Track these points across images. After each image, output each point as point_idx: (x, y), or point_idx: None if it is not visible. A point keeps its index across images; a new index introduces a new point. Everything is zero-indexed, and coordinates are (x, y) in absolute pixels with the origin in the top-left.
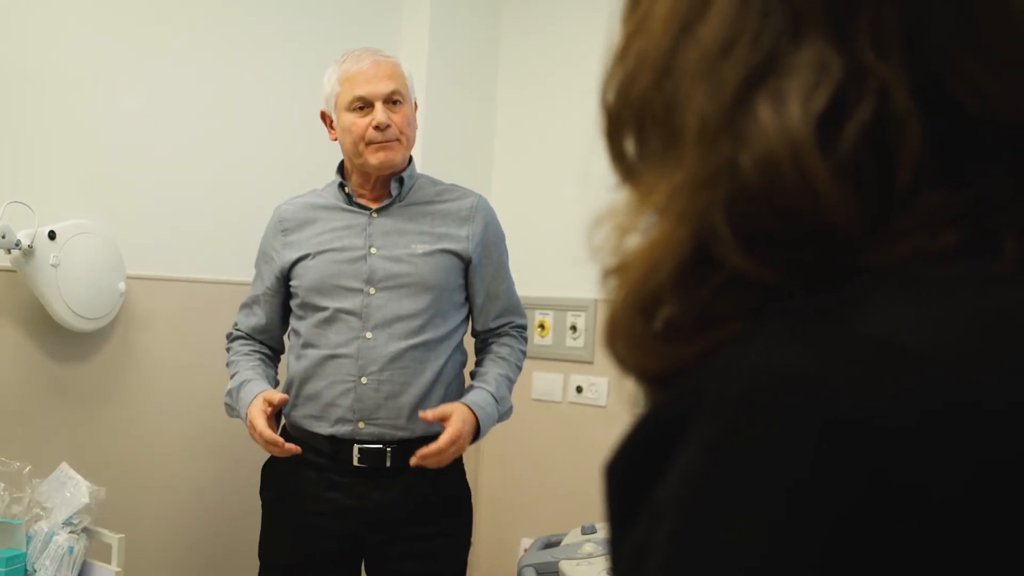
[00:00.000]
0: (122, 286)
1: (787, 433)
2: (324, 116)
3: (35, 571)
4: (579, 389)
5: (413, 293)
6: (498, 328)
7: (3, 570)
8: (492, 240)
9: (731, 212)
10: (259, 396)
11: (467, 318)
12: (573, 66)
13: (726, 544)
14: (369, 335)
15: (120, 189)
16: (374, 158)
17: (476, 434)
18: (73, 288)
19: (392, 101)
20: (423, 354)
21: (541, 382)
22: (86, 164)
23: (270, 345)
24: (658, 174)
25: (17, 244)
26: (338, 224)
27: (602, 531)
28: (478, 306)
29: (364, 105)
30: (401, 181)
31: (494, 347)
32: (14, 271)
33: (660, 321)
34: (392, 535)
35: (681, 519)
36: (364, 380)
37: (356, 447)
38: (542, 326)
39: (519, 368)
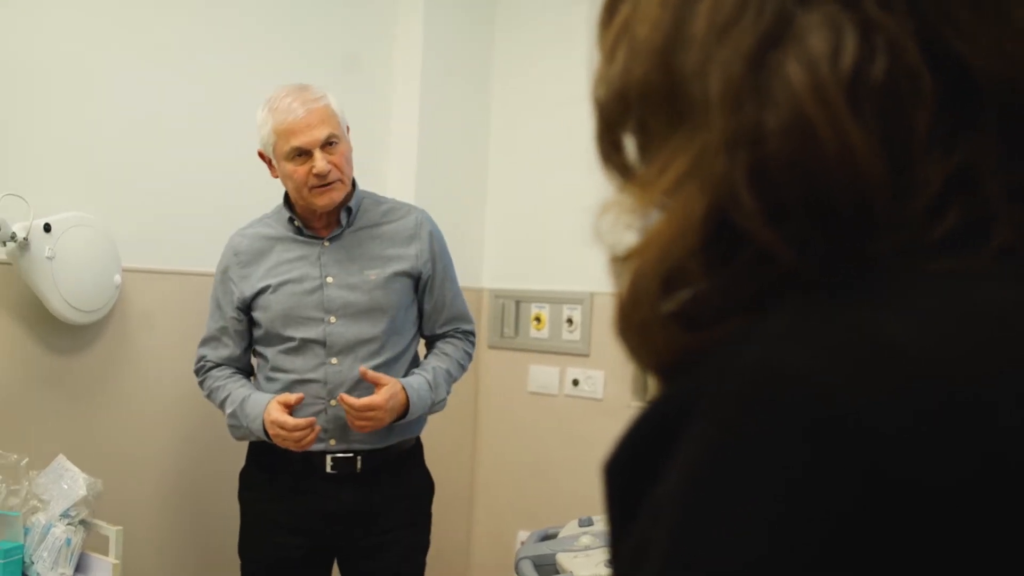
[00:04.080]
0: (118, 279)
1: (784, 431)
2: (262, 156)
3: (33, 563)
4: (575, 382)
5: (370, 318)
6: (445, 333)
7: (1, 562)
8: (438, 253)
9: (755, 179)
10: (272, 400)
11: (419, 328)
12: (568, 60)
13: (724, 541)
14: (334, 360)
15: (116, 182)
16: (319, 200)
17: (405, 412)
18: (69, 281)
19: (329, 144)
20: (385, 371)
21: (537, 375)
22: (82, 156)
23: (244, 371)
24: (668, 155)
25: (12, 237)
26: (292, 255)
27: (599, 524)
28: (427, 313)
29: (301, 153)
30: (349, 211)
31: (439, 344)
32: (9, 264)
33: (675, 306)
34: (362, 533)
35: (679, 516)
36: (333, 403)
37: (328, 456)
38: (538, 319)
39: (462, 367)
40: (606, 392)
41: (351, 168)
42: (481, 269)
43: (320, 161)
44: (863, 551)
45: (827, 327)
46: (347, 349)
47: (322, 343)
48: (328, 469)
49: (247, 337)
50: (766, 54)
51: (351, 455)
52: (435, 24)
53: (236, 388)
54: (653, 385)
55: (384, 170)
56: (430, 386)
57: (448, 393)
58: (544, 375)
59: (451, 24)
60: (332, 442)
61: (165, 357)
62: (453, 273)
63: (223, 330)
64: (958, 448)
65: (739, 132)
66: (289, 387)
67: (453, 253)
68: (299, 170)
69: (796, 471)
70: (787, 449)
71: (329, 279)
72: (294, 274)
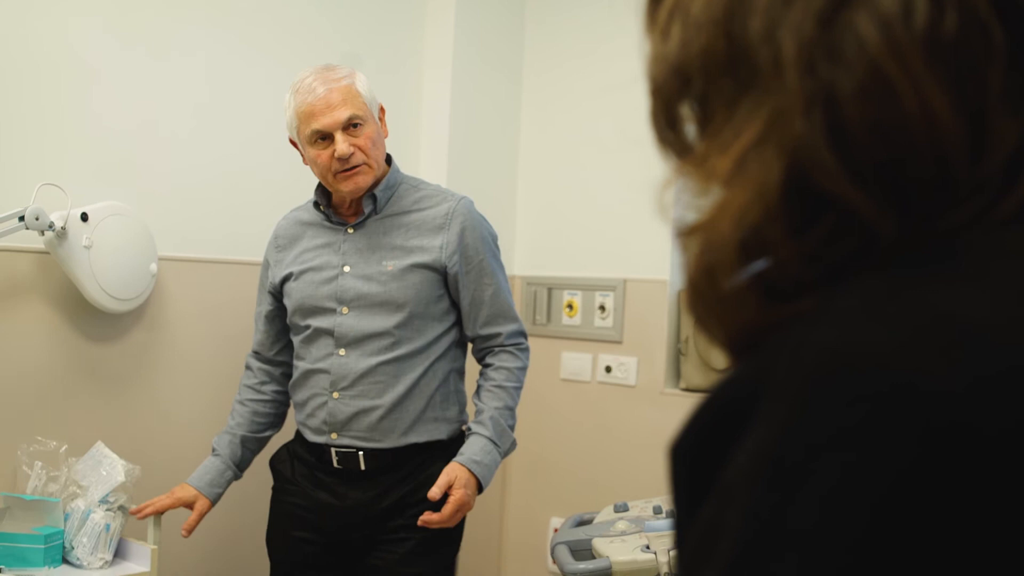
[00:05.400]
0: (154, 267)
1: (858, 411)
2: (292, 142)
3: (73, 548)
4: (608, 369)
5: (383, 311)
6: (490, 337)
7: (42, 547)
8: (471, 244)
9: (835, 139)
10: (187, 490)
11: (454, 325)
12: (601, 47)
13: (801, 525)
14: (343, 352)
15: (152, 171)
16: (343, 187)
17: (480, 485)
18: (106, 269)
19: (352, 125)
20: (396, 368)
21: (570, 362)
22: (118, 146)
23: (280, 361)
24: (737, 124)
25: (50, 226)
26: (319, 242)
27: (634, 509)
28: (465, 311)
29: (324, 137)
30: (374, 198)
31: (490, 372)
32: (47, 253)
33: (753, 277)
34: (371, 533)
35: (754, 499)
36: (336, 395)
37: (333, 450)
38: (570, 306)
39: (519, 388)
40: (639, 379)
41: (380, 151)
42: (513, 256)
43: (341, 144)
44: (947, 532)
45: (901, 306)
46: (355, 342)
47: (331, 333)
48: (335, 464)
49: (277, 324)
50: (837, 13)
51: (353, 451)
52: (467, 12)
53: (226, 429)
54: (716, 364)
55: (416, 158)
56: (495, 443)
57: (513, 428)
58: (576, 362)
59: (482, 12)
60: (333, 436)
61: (201, 345)
62: (495, 267)
63: (258, 315)
64: (1015, 408)
65: (815, 93)
66: (301, 377)
67: None
68: (322, 154)
69: (872, 453)
70: (862, 429)
71: (347, 268)
72: (316, 262)
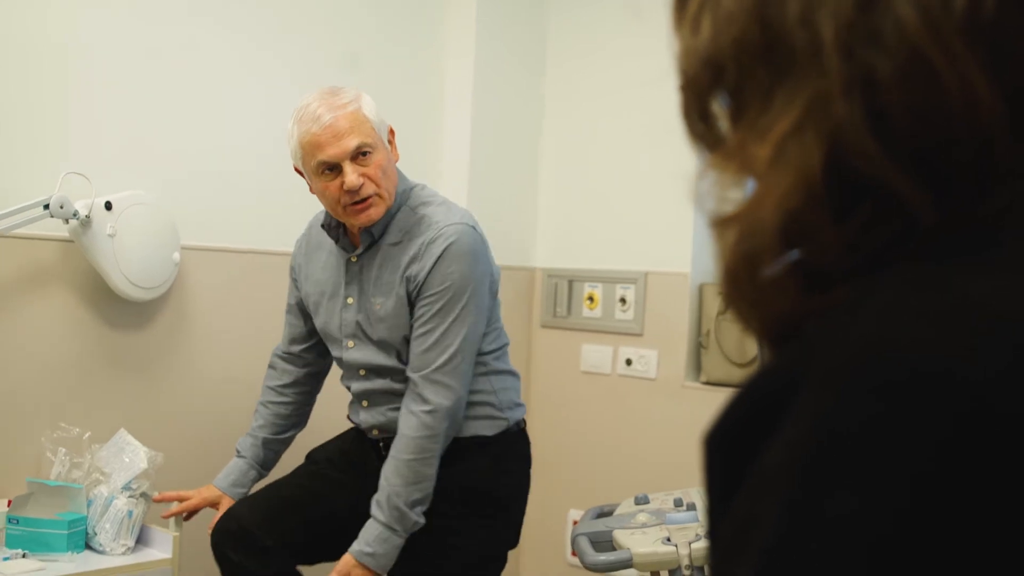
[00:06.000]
0: (177, 256)
1: (897, 404)
2: (298, 171)
3: (96, 534)
4: (628, 361)
5: (382, 349)
6: (412, 383)
7: (65, 532)
8: (436, 278)
9: (876, 123)
10: (212, 491)
11: None
12: (624, 39)
13: (838, 513)
14: (363, 372)
15: (175, 161)
16: (356, 220)
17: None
18: (129, 258)
19: (361, 154)
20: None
21: (590, 355)
22: (142, 136)
23: (305, 359)
24: (775, 111)
25: (75, 214)
26: (333, 262)
27: (655, 502)
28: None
29: (331, 168)
30: (371, 233)
31: (393, 446)
32: (72, 241)
33: (792, 265)
34: None
35: (791, 490)
36: (364, 403)
37: (380, 444)
38: (591, 298)
39: (422, 459)
40: (659, 372)
41: (392, 179)
42: (534, 248)
43: (351, 175)
44: (990, 521)
45: (938, 296)
46: (366, 369)
47: (343, 361)
48: (383, 452)
49: (302, 318)
50: None
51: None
52: (489, 3)
53: (249, 432)
54: (737, 359)
55: (438, 150)
56: (391, 528)
57: (420, 502)
58: (597, 354)
59: (505, 2)
60: (375, 432)
61: (223, 333)
62: (456, 313)
63: (289, 307)
64: None
65: (854, 77)
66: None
67: (506, 233)
68: (331, 186)
69: (909, 442)
70: (900, 421)
71: (350, 300)
72: (328, 287)
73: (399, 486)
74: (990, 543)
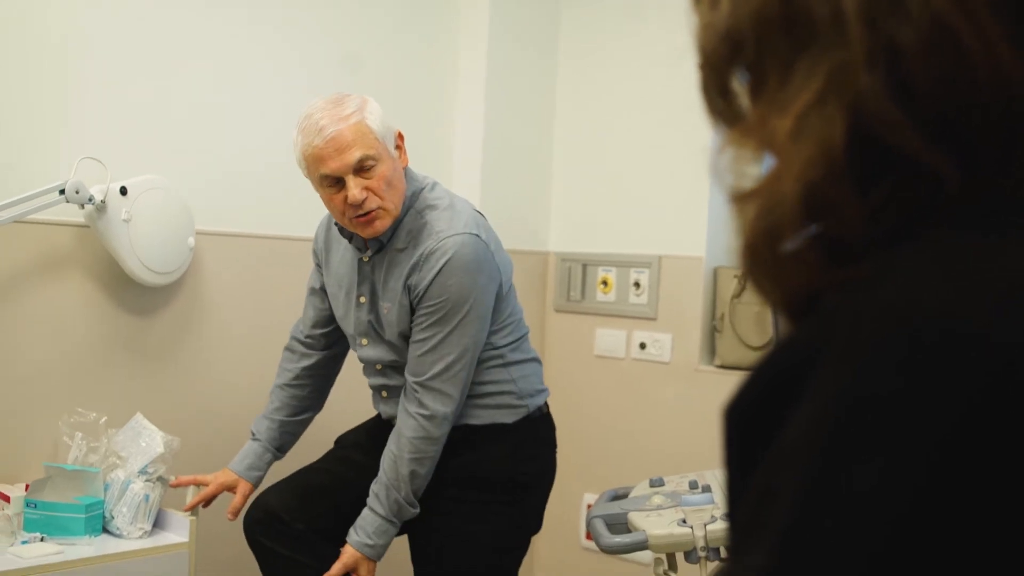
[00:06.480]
0: (191, 241)
1: (921, 374)
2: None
3: (113, 518)
4: (642, 345)
5: (393, 349)
6: (411, 386)
7: (83, 516)
8: (435, 291)
9: (900, 92)
10: (228, 475)
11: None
12: (638, 24)
13: (864, 492)
14: (379, 367)
15: (190, 146)
16: (362, 232)
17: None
18: (144, 243)
19: (364, 167)
20: None
21: (604, 339)
22: (157, 121)
23: (323, 344)
24: (797, 83)
25: (90, 199)
26: (347, 260)
27: (670, 484)
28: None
29: (335, 181)
30: (379, 239)
31: (391, 438)
32: (87, 226)
33: (813, 239)
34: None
35: (812, 463)
36: (384, 394)
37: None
38: (605, 283)
39: (417, 458)
40: (673, 356)
41: (397, 190)
42: (548, 233)
43: (353, 189)
44: (998, 473)
45: (964, 265)
46: (381, 365)
47: (359, 357)
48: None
49: (326, 302)
50: None
51: None
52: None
53: (264, 414)
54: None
55: (451, 135)
56: (390, 520)
57: (415, 493)
58: (611, 338)
59: None
60: (396, 421)
61: (237, 318)
62: (454, 324)
63: (312, 290)
64: None
65: (877, 46)
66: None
67: (519, 217)
68: (335, 198)
69: (936, 408)
70: (925, 392)
71: (362, 299)
72: (345, 281)
73: (398, 481)
74: (1015, 510)
